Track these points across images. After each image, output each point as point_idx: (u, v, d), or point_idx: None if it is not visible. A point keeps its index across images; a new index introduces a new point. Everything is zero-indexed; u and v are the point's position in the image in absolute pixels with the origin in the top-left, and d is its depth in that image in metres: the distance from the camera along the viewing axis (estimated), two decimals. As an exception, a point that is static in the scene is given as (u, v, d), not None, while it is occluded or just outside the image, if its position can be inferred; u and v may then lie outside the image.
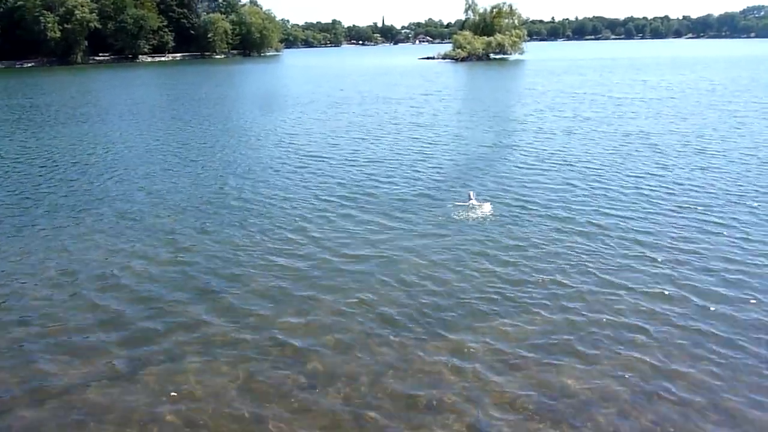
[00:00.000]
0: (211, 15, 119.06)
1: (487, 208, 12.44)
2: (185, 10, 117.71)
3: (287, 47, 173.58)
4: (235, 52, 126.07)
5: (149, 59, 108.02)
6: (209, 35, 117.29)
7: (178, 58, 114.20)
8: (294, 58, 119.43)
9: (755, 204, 12.37)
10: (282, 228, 11.65)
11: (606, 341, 7.22)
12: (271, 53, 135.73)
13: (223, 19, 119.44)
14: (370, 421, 5.96)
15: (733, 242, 10.19)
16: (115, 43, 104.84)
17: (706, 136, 20.63)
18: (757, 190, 13.48)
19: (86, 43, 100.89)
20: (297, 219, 12.17)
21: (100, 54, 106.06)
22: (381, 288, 8.87)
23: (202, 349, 7.29)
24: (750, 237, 10.44)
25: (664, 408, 5.99)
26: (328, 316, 8.04)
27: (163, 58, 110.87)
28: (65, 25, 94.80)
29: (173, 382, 6.65)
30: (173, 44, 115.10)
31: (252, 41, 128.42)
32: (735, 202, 12.59)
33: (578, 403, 6.11)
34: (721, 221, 11.32)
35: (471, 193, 13.13)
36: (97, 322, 8.02)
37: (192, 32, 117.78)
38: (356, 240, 10.88)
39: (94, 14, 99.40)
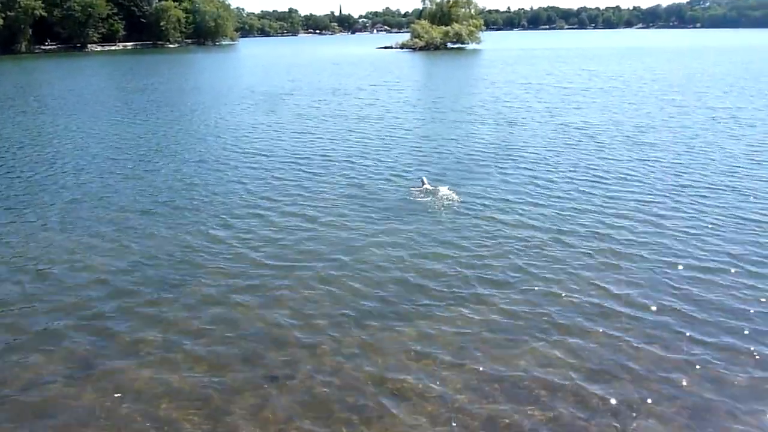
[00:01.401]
0: (163, 2, 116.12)
1: (443, 191, 13.02)
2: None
3: (243, 36, 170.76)
4: (189, 41, 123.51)
5: (99, 48, 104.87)
6: (161, 23, 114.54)
7: (129, 47, 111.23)
8: (249, 48, 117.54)
9: (688, 195, 13.20)
10: (234, 220, 11.71)
11: (562, 325, 7.51)
12: (226, 42, 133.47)
13: (175, 7, 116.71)
14: (334, 409, 6.05)
15: (674, 234, 10.61)
16: (62, 32, 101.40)
17: (644, 126, 21.62)
18: (689, 181, 14.38)
19: (31, 31, 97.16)
20: (247, 213, 12.19)
21: (47, 43, 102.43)
22: (339, 277, 8.98)
23: (157, 344, 7.24)
24: (680, 227, 11.13)
25: (616, 387, 6.27)
26: (285, 308, 8.07)
27: (113, 47, 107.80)
28: (8, 13, 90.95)
29: (127, 378, 6.60)
30: (124, 33, 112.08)
31: (206, 30, 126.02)
32: (666, 193, 13.42)
33: (537, 386, 6.33)
34: (658, 211, 11.90)
35: (423, 178, 13.67)
36: (38, 319, 7.90)
37: (143, 20, 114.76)
38: (309, 231, 11.05)
39: (39, 1, 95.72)
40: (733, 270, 8.97)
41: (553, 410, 5.98)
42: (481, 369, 6.66)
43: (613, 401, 6.09)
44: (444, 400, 6.16)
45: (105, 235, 11.07)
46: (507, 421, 5.86)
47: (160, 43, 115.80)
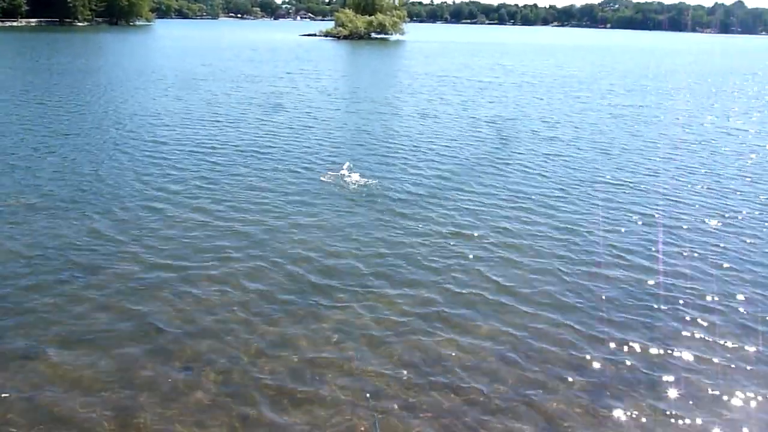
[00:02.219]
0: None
1: (354, 178, 13.45)
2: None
3: (159, 17, 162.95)
4: (100, 20, 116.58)
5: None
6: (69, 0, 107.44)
7: (33, 24, 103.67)
8: (165, 30, 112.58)
9: (584, 189, 13.98)
10: (146, 213, 11.23)
11: (479, 309, 7.87)
12: (141, 23, 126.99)
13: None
14: (250, 399, 6.01)
15: (568, 227, 11.39)
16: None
17: (550, 121, 22.64)
18: (587, 176, 15.20)
19: None
20: (160, 204, 11.72)
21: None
22: (257, 265, 8.97)
23: (66, 339, 6.96)
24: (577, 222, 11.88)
25: (532, 371, 6.62)
26: (202, 299, 7.95)
27: (15, 23, 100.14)
28: None
29: (36, 373, 6.35)
30: (27, 8, 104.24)
31: (119, 8, 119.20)
32: (563, 186, 14.15)
33: (457, 370, 6.57)
34: (555, 204, 12.65)
35: (346, 164, 14.16)
36: None
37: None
38: (213, 224, 10.83)
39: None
40: (621, 263, 9.59)
41: (465, 394, 6.22)
42: (397, 353, 6.84)
43: (527, 378, 6.46)
44: (360, 387, 6.25)
45: (9, 219, 10.36)
46: (423, 406, 6.01)
47: (68, 21, 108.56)
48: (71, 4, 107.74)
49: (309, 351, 6.87)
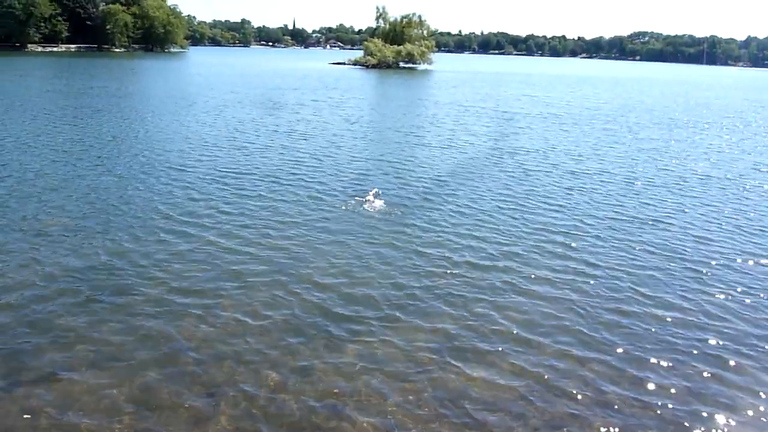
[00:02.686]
0: (111, 6, 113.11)
1: (379, 204, 13.71)
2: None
3: (193, 45, 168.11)
4: (136, 46, 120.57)
5: (39, 49, 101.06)
6: (108, 27, 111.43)
7: (72, 50, 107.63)
8: (199, 56, 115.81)
9: (607, 226, 13.80)
10: (171, 237, 11.41)
11: (502, 343, 7.80)
12: (175, 50, 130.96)
13: (123, 11, 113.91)
14: (271, 429, 6.02)
15: (589, 264, 11.26)
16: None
17: (575, 154, 22.50)
18: (610, 212, 15.02)
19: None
20: (184, 229, 11.91)
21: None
22: (280, 292, 9.01)
23: (90, 362, 7.04)
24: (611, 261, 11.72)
25: (555, 408, 6.50)
26: (224, 325, 7.99)
27: (55, 49, 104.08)
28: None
29: (60, 394, 6.42)
30: (67, 34, 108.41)
31: (155, 36, 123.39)
32: (585, 222, 13.99)
33: (481, 403, 6.51)
34: (574, 243, 12.51)
35: (374, 190, 14.42)
36: None
37: (89, 23, 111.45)
38: (249, 246, 10.98)
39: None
40: (644, 300, 9.39)
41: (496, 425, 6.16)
42: (419, 387, 6.78)
43: (553, 414, 6.37)
44: (381, 420, 6.22)
45: (16, 248, 10.61)
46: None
47: (105, 47, 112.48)
48: (109, 31, 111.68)
49: (329, 381, 6.86)
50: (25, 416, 6.09)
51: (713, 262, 11.06)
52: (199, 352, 7.36)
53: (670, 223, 13.55)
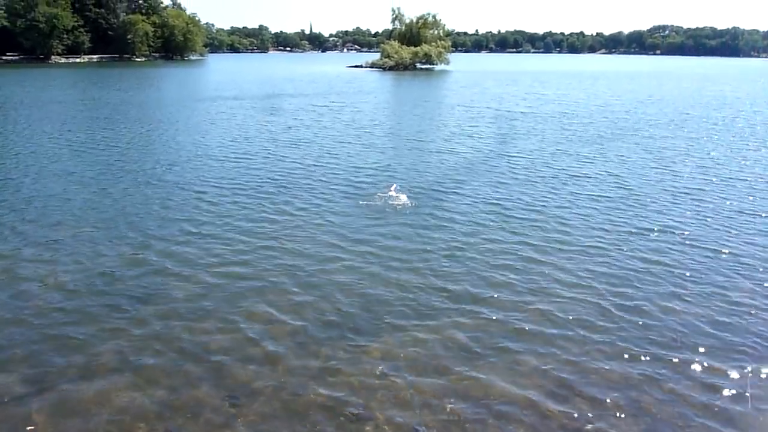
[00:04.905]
0: (131, 16, 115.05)
1: (403, 198, 13.95)
2: (103, 10, 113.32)
3: (212, 52, 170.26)
4: (156, 55, 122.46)
5: (63, 60, 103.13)
6: (128, 37, 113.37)
7: (95, 60, 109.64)
8: (217, 63, 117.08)
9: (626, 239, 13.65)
10: (194, 240, 11.59)
11: (526, 342, 7.75)
12: (195, 57, 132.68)
13: (144, 21, 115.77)
14: (297, 430, 6.06)
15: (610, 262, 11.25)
16: (24, 43, 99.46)
17: (586, 157, 22.25)
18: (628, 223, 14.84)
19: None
20: (205, 234, 12.05)
21: (8, 54, 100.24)
22: (302, 294, 9.05)
23: (117, 365, 7.16)
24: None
25: (585, 408, 6.44)
26: (246, 328, 8.06)
27: (78, 60, 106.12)
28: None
29: (85, 399, 6.53)
30: (89, 45, 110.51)
31: (175, 44, 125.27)
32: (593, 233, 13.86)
33: (503, 404, 6.47)
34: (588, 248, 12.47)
35: (394, 185, 14.71)
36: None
37: (110, 33, 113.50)
38: (268, 249, 11.06)
39: (1, 11, 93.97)
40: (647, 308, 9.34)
41: (517, 427, 6.14)
42: (444, 386, 6.78)
43: (574, 417, 6.31)
44: (405, 420, 6.22)
45: (37, 253, 10.84)
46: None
47: (126, 56, 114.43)
48: (130, 41, 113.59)
49: (354, 383, 6.87)
50: (47, 421, 6.20)
51: (748, 261, 10.88)
52: (221, 355, 7.41)
53: (669, 231, 13.37)
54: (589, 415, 6.37)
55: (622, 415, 6.36)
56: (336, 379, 6.94)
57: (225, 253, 10.85)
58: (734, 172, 18.41)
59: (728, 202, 14.73)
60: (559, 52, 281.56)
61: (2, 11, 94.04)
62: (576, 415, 6.37)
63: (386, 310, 8.63)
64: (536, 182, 16.83)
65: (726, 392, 6.80)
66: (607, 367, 7.23)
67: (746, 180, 17.31)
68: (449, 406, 6.48)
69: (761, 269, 10.33)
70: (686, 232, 12.34)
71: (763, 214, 13.68)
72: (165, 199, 14.59)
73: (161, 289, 9.33)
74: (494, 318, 8.45)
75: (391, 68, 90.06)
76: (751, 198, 15.21)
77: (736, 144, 24.09)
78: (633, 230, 12.45)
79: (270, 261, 10.46)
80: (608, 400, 6.61)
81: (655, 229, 12.54)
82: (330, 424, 6.17)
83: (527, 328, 8.15)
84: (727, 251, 11.22)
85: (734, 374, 7.14)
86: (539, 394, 6.69)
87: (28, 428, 6.09)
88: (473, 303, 8.91)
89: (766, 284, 9.68)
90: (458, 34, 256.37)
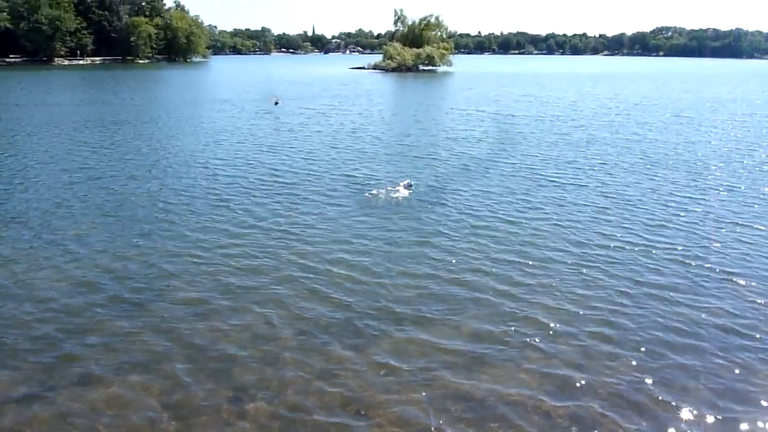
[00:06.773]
0: (134, 18, 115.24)
1: (408, 194, 14.25)
2: (106, 12, 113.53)
3: (215, 53, 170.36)
4: (160, 57, 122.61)
5: (66, 62, 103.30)
6: (132, 39, 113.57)
7: (98, 62, 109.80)
8: (220, 65, 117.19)
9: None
10: (199, 237, 11.60)
11: (533, 344, 7.68)
12: (198, 59, 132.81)
13: (147, 23, 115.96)
14: (301, 428, 6.07)
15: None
16: (27, 45, 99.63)
17: (582, 167, 22.14)
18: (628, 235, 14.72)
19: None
20: (211, 232, 12.02)
21: (11, 56, 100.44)
22: (307, 293, 9.06)
23: (119, 365, 7.15)
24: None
25: (593, 407, 6.40)
26: (252, 327, 8.05)
27: (81, 62, 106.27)
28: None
29: (89, 399, 6.52)
30: (93, 47, 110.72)
31: (178, 46, 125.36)
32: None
33: (509, 405, 6.42)
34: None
35: (405, 181, 15.02)
36: (9, 338, 7.79)
37: (113, 35, 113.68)
38: (275, 248, 11.04)
39: (4, 13, 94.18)
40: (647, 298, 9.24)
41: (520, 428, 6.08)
42: (448, 387, 6.73)
43: (575, 417, 6.25)
44: (410, 419, 6.18)
45: (50, 253, 10.83)
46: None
47: (129, 58, 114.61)
48: (133, 43, 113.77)
49: (358, 382, 6.83)
50: (61, 419, 6.19)
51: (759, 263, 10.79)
52: (227, 354, 7.39)
53: (671, 226, 13.28)
54: (598, 413, 6.30)
55: (625, 415, 6.28)
56: (339, 378, 6.90)
57: (228, 252, 10.81)
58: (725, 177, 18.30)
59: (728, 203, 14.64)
60: (562, 53, 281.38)
61: (5, 13, 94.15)
62: (585, 414, 6.31)
63: (390, 310, 8.58)
64: (544, 185, 16.82)
65: (726, 392, 6.71)
66: (607, 369, 7.15)
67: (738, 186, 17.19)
68: (454, 406, 6.42)
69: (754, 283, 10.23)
70: (679, 239, 12.26)
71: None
72: (169, 200, 14.58)
73: (164, 289, 9.30)
74: (502, 315, 8.38)
75: (393, 70, 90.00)
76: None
77: (728, 147, 24.01)
78: (636, 231, 12.38)
79: (273, 261, 10.42)
80: (608, 400, 6.54)
81: (653, 238, 12.45)
82: (333, 424, 6.12)
83: (529, 330, 8.07)
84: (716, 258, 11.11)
85: (732, 374, 7.04)
86: (542, 395, 6.62)
87: (30, 429, 6.05)
88: (480, 301, 8.84)
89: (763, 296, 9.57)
90: (461, 35, 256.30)
